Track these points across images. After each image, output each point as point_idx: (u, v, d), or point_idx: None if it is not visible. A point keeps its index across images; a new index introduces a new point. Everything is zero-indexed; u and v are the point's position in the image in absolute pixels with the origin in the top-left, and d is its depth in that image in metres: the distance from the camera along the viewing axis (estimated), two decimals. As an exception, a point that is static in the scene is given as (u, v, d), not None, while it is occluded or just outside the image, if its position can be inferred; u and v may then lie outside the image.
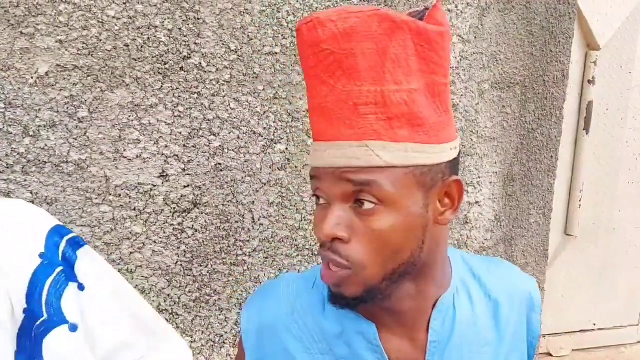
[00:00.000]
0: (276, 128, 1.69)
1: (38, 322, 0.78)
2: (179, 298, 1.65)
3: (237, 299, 1.72)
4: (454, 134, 0.71)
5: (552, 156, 2.34)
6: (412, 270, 0.70)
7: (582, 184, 2.83)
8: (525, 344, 0.84)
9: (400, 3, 1.81)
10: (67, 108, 1.48)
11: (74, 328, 0.79)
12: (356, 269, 0.67)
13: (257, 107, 1.66)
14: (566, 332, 3.01)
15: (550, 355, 2.98)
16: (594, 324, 3.07)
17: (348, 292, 0.69)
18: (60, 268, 0.81)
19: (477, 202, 2.11)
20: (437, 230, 0.71)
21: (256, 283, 1.73)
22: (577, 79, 2.74)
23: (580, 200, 2.85)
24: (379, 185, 0.64)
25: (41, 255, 0.80)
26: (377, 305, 0.73)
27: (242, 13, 1.62)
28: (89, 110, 1.50)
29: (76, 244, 0.86)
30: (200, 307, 1.68)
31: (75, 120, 1.49)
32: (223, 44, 1.61)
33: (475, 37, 1.98)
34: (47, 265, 0.80)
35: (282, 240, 1.74)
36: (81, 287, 0.83)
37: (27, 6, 1.41)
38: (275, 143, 1.69)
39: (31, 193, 1.47)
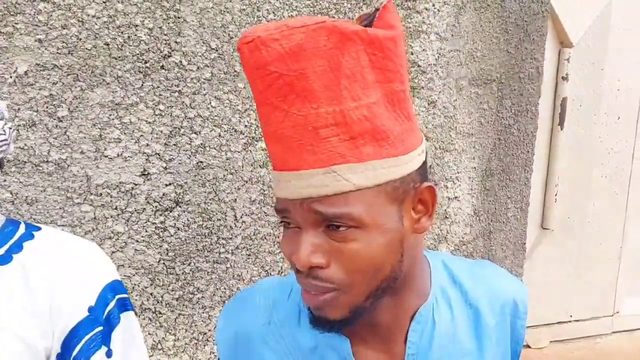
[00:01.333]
0: (257, 125, 1.70)
1: None
2: (162, 297, 1.66)
3: (220, 296, 1.73)
4: (419, 138, 0.69)
5: (528, 151, 2.39)
6: (394, 284, 0.68)
7: (557, 178, 2.90)
8: (508, 350, 0.82)
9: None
10: (47, 107, 1.47)
11: None
12: (343, 289, 0.64)
13: (238, 105, 1.67)
14: (544, 324, 3.08)
15: (529, 347, 3.04)
16: (571, 316, 3.15)
17: (332, 315, 0.66)
18: (100, 328, 0.83)
19: (456, 197, 2.15)
20: (414, 239, 0.69)
21: (239, 280, 1.74)
22: (551, 76, 2.80)
23: (556, 195, 2.92)
24: (351, 212, 0.61)
25: (90, 309, 0.82)
26: None
27: (223, 12, 1.63)
28: (69, 109, 1.49)
29: (123, 306, 0.87)
30: (184, 305, 1.68)
31: (55, 119, 1.48)
32: (204, 43, 1.62)
33: (452, 35, 2.02)
34: (91, 320, 0.82)
35: (265, 238, 1.76)
36: (109, 354, 0.84)
37: (5, 5, 1.41)
38: (257, 141, 1.71)
39: (11, 193, 1.46)
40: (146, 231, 1.60)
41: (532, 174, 2.43)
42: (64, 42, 1.47)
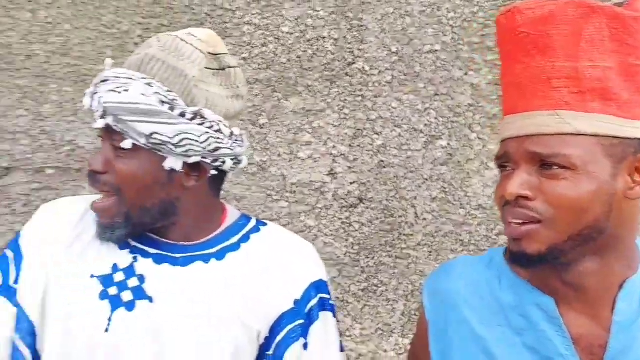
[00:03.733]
0: (437, 124, 1.72)
1: (266, 353, 0.90)
2: (348, 287, 1.78)
3: (404, 290, 1.79)
4: None
5: None
6: (597, 236, 0.71)
7: None
8: None
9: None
10: (251, 116, 1.70)
11: None
12: (545, 222, 0.69)
13: (417, 105, 1.72)
14: None
15: None
16: None
17: (531, 249, 0.71)
18: (302, 321, 0.90)
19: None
20: (627, 204, 0.71)
21: (421, 276, 1.78)
22: None
23: None
24: (566, 153, 0.68)
25: (295, 302, 0.90)
26: (558, 278, 0.74)
27: (403, 16, 1.69)
28: (268, 117, 1.70)
29: (323, 305, 0.93)
30: (369, 296, 1.78)
31: (257, 126, 1.70)
32: (385, 47, 1.70)
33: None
34: (295, 313, 0.90)
35: (446, 235, 1.77)
36: (305, 347, 0.90)
37: (217, 30, 1.65)
38: (437, 139, 1.73)
39: (223, 191, 1.72)
40: (333, 226, 1.74)
41: None
42: (263, 58, 1.68)
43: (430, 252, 1.78)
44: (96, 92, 0.82)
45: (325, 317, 0.93)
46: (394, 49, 1.70)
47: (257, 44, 1.68)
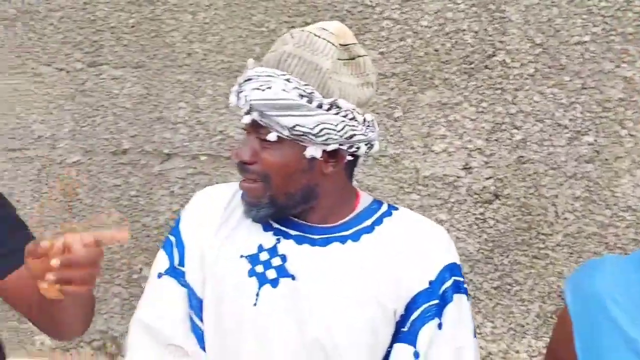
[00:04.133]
0: (583, 119, 1.63)
1: (401, 329, 0.92)
2: (480, 284, 1.75)
3: (539, 292, 1.72)
4: None
5: None
6: None
7: None
8: None
9: None
10: (386, 110, 1.73)
11: (417, 355, 0.91)
12: None
13: (562, 99, 1.64)
14: None
15: None
16: None
17: None
18: (436, 302, 0.92)
19: None
20: None
21: (559, 278, 1.70)
22: None
23: None
24: None
25: (430, 283, 0.92)
26: None
27: (549, 6, 1.63)
28: (403, 110, 1.73)
29: (457, 287, 0.94)
30: (502, 295, 1.74)
31: (391, 119, 1.73)
32: (528, 39, 1.64)
33: None
34: (430, 293, 0.92)
35: (589, 237, 1.67)
36: (440, 326, 0.92)
37: (357, 26, 1.71)
38: (583, 135, 1.64)
39: (357, 181, 1.78)
40: (467, 221, 1.72)
41: None
42: (400, 52, 1.71)
43: (571, 253, 1.69)
44: (241, 91, 0.89)
45: (460, 299, 0.94)
46: (538, 41, 1.64)
47: (394, 38, 1.71)
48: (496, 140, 1.69)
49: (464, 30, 1.67)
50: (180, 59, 1.81)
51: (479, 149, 1.70)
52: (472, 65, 1.68)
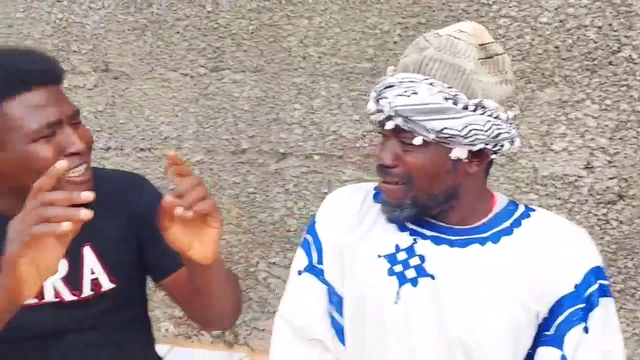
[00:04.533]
0: None
1: (544, 332, 0.93)
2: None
3: (668, 297, 1.65)
4: None
5: None
6: None
7: None
8: None
9: None
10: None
11: (564, 358, 0.91)
12: None
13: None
14: None
15: None
16: None
17: None
18: (582, 305, 0.91)
19: None
20: None
21: (691, 283, 1.62)
22: None
23: None
24: None
25: (575, 286, 0.91)
26: None
27: (681, -3, 1.55)
28: (520, 108, 1.70)
29: (603, 292, 0.93)
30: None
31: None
32: (657, 33, 1.58)
33: None
34: (575, 296, 0.91)
35: None
36: (586, 330, 0.91)
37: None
38: None
39: (471, 180, 1.77)
40: (588, 222, 1.67)
41: None
42: (518, 50, 1.68)
43: None
44: (381, 97, 0.91)
45: (607, 303, 0.93)
46: (668, 35, 1.57)
47: (512, 35, 1.69)
48: (620, 138, 1.63)
49: (587, 26, 1.63)
50: (296, 63, 1.89)
51: (602, 147, 1.64)
52: (595, 62, 1.63)
